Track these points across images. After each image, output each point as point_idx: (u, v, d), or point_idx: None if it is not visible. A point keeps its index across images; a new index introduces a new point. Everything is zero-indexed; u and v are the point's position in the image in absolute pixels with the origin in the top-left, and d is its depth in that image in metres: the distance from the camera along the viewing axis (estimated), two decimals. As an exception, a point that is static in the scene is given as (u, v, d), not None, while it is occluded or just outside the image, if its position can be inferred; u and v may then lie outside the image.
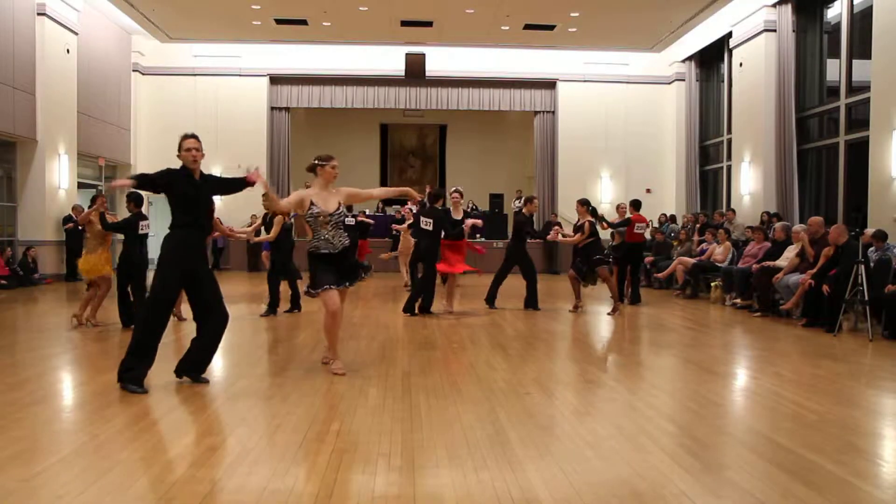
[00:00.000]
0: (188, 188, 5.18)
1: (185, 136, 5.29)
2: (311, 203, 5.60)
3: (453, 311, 9.62)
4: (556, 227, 12.08)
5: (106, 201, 8.59)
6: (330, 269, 5.62)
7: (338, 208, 5.66)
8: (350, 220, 14.57)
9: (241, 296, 12.02)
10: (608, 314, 9.83)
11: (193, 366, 5.34)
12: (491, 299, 10.42)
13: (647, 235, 15.40)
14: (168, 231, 5.26)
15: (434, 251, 9.48)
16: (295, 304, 9.75)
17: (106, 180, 17.95)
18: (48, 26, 14.41)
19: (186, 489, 3.20)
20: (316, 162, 5.76)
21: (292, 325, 8.74)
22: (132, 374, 5.05)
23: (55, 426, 4.32)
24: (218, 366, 6.58)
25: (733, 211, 14.63)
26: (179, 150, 5.24)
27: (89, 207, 8.40)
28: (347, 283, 5.78)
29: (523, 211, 10.46)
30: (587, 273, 9.91)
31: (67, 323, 8.49)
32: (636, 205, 11.62)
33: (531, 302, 10.23)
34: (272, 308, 9.42)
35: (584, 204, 10.06)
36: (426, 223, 9.43)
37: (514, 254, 10.26)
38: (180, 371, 5.35)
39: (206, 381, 5.33)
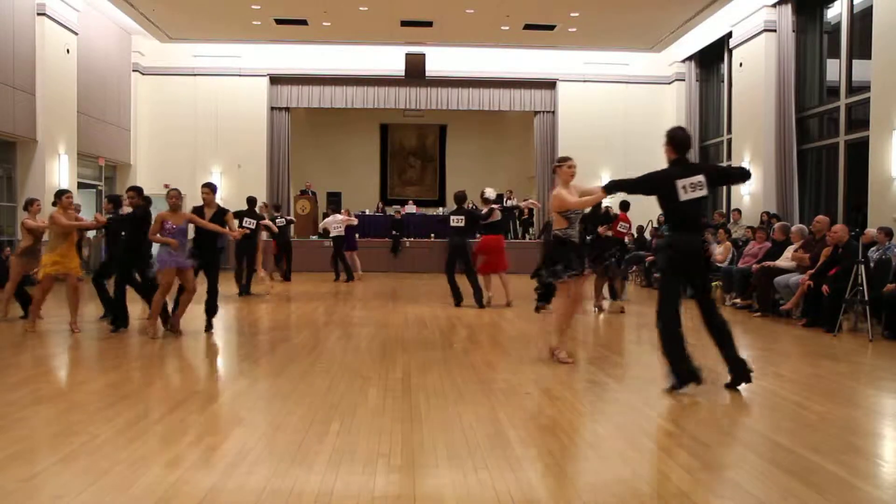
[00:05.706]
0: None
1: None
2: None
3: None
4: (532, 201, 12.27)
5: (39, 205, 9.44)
6: (573, 257, 6.13)
7: None
8: (281, 221, 14.53)
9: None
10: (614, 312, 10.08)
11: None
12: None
13: (648, 236, 15.41)
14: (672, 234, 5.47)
15: (466, 248, 10.41)
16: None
17: (106, 180, 17.94)
18: (48, 26, 14.38)
19: (186, 489, 3.20)
20: (555, 164, 6.34)
21: (291, 324, 8.74)
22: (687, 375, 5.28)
23: (55, 426, 4.31)
24: (218, 366, 6.60)
25: (739, 212, 14.61)
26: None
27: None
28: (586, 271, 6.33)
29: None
30: (607, 265, 10.07)
31: (68, 323, 8.47)
32: (624, 206, 11.51)
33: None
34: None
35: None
36: (457, 220, 10.40)
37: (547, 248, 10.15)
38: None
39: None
